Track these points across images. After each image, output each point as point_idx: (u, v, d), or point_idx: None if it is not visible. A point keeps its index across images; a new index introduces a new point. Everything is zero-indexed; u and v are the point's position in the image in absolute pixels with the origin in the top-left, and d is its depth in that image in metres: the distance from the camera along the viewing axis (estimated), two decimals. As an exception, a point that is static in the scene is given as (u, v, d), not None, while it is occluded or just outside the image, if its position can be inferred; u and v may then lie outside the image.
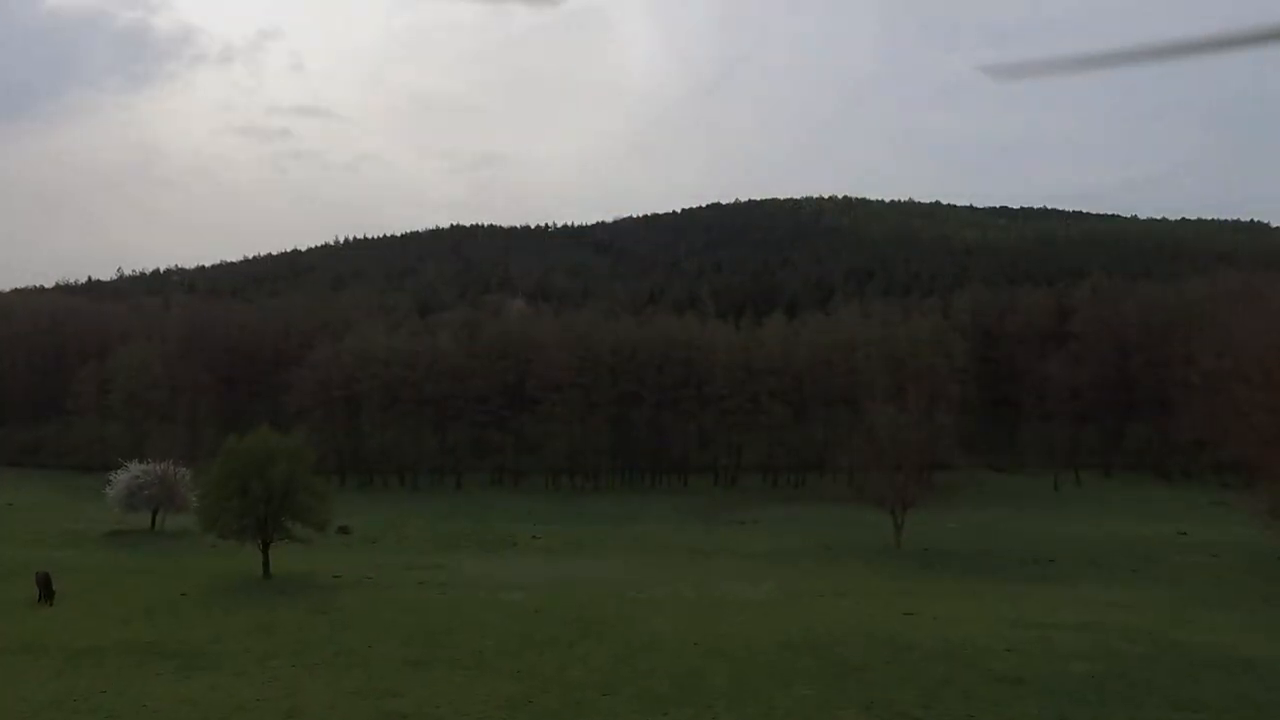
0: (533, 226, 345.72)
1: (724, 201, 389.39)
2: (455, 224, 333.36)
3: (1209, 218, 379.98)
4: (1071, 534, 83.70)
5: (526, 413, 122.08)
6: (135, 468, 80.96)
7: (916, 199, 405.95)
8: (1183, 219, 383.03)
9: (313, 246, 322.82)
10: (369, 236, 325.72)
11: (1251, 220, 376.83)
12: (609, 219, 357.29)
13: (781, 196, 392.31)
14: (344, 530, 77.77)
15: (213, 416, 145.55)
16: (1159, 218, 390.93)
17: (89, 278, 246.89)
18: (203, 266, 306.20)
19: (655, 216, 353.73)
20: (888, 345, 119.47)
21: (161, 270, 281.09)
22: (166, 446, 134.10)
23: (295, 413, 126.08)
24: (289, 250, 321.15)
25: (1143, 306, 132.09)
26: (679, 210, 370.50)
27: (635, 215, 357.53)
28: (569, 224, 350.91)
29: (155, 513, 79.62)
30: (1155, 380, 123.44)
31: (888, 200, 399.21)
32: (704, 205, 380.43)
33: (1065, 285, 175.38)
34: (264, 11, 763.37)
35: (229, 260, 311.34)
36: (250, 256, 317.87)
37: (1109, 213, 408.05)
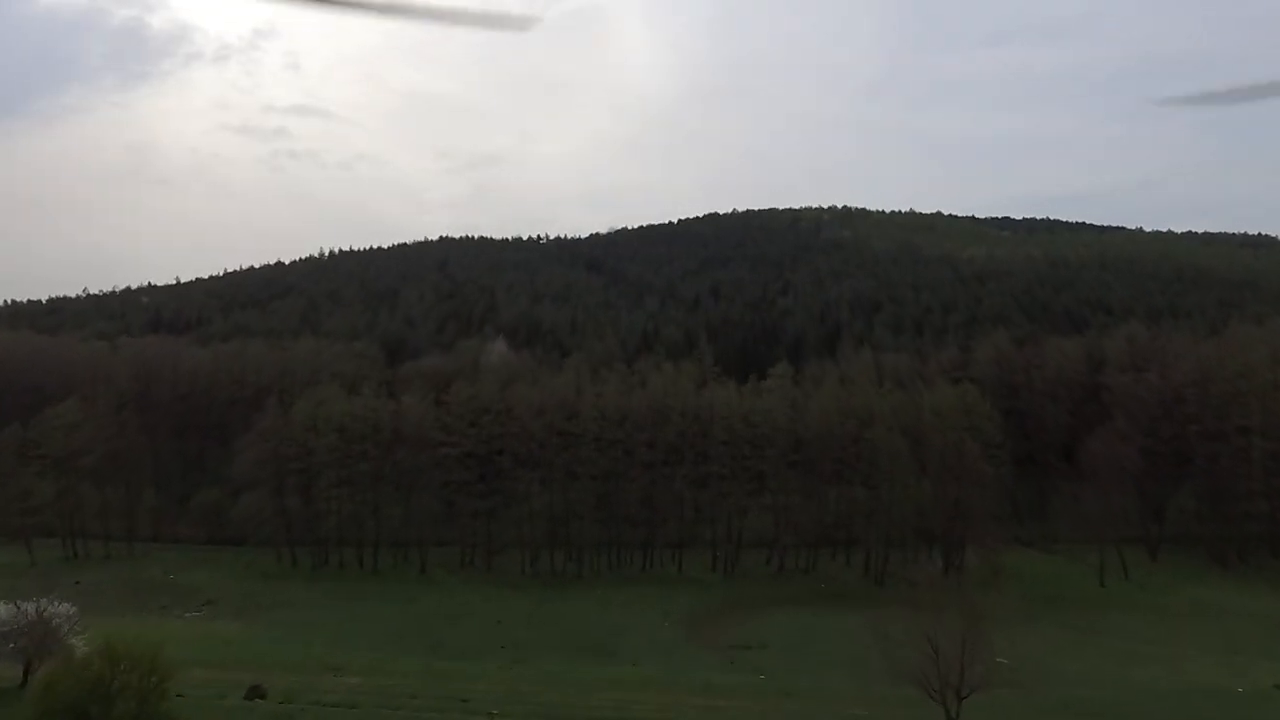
0: (525, 238, 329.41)
1: (721, 212, 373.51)
2: (444, 236, 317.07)
3: (1216, 230, 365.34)
4: (1146, 683, 67.63)
5: (500, 491, 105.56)
6: (1, 609, 64.33)
7: (917, 209, 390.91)
8: (1189, 231, 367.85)
9: (297, 259, 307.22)
10: (355, 249, 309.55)
11: (1260, 234, 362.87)
12: (603, 229, 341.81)
13: (780, 207, 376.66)
14: (256, 694, 61.11)
15: (161, 474, 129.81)
16: (1164, 230, 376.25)
17: (48, 297, 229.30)
18: (180, 280, 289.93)
19: (651, 228, 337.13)
20: (908, 415, 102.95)
21: (133, 288, 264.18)
22: (101, 514, 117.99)
23: (242, 485, 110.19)
24: (273, 263, 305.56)
25: (1189, 364, 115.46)
26: (675, 221, 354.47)
27: (631, 227, 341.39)
28: (562, 236, 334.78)
29: (27, 668, 63.10)
30: (1208, 454, 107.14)
31: (888, 211, 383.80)
32: (701, 216, 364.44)
33: (1094, 332, 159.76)
34: (259, 10, 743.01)
35: (207, 275, 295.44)
36: (232, 269, 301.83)
37: (1113, 224, 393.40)
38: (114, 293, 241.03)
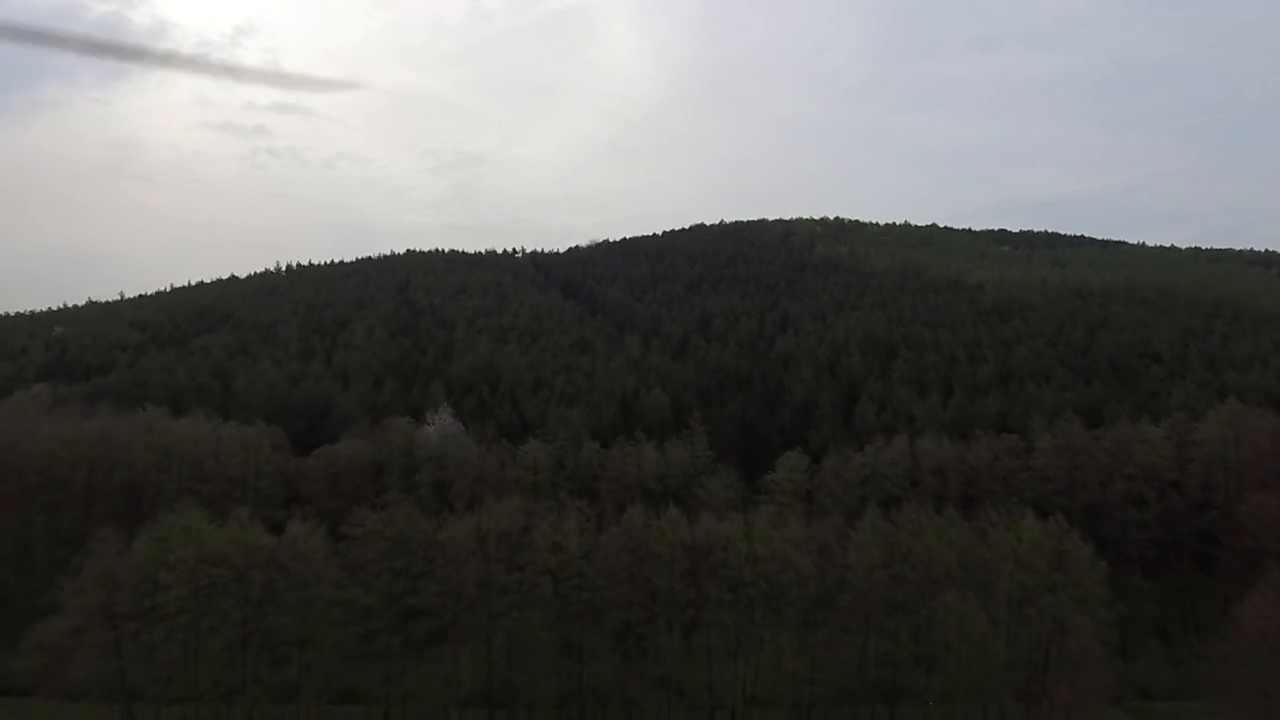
0: (500, 251, 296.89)
1: (709, 223, 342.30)
2: (411, 249, 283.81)
3: (1222, 246, 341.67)
4: None
5: (423, 660, 74.19)
6: None
7: (906, 217, 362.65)
8: (1194, 247, 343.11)
9: (253, 273, 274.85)
10: (314, 263, 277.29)
11: (1266, 250, 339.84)
12: (585, 240, 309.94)
13: (770, 217, 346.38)
14: None
15: None
16: (1167, 245, 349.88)
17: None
18: (124, 295, 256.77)
19: (635, 242, 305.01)
20: (977, 556, 72.35)
21: (64, 306, 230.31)
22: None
23: (72, 634, 78.06)
24: (226, 277, 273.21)
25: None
26: (660, 233, 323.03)
27: (613, 239, 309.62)
28: (539, 249, 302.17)
29: None
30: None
31: (881, 223, 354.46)
32: (688, 227, 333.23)
33: (1150, 385, 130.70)
34: (240, 7, 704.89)
35: (154, 290, 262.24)
36: (180, 285, 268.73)
37: (1111, 236, 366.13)
38: (26, 315, 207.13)
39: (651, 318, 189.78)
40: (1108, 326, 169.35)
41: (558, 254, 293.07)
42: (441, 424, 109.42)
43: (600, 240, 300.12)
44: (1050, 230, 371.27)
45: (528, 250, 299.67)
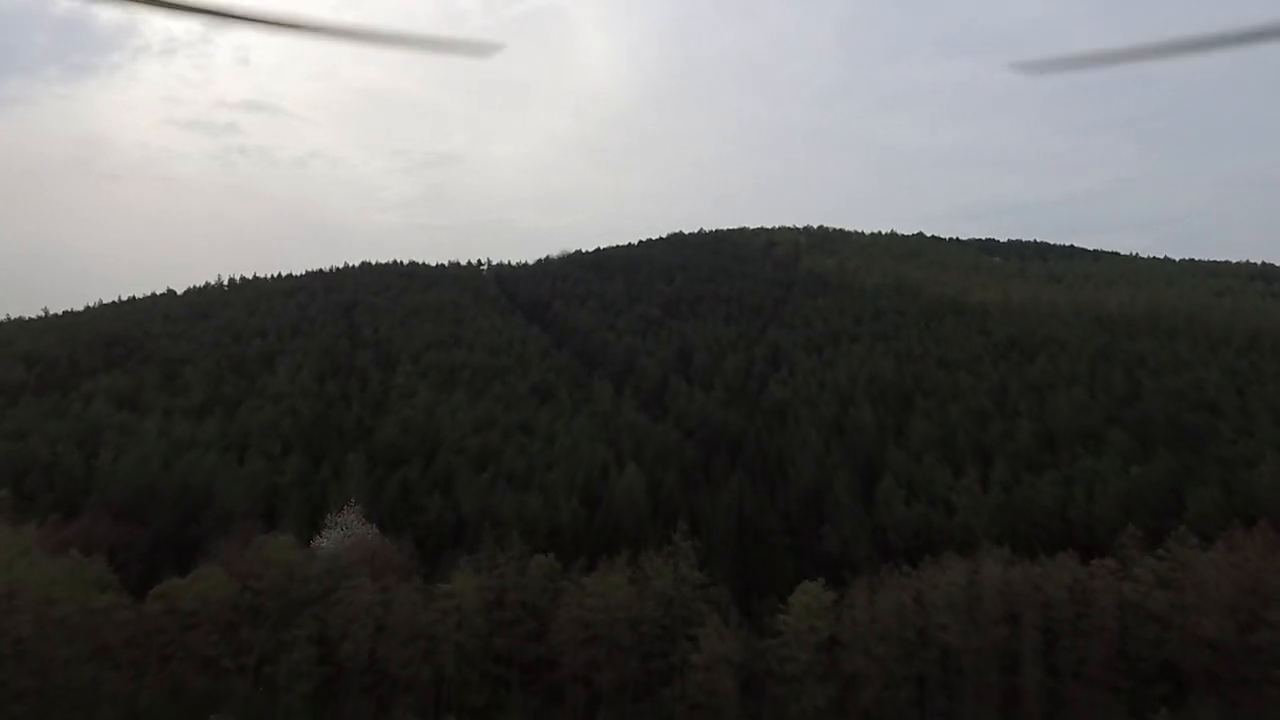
0: (464, 264, 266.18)
1: (687, 231, 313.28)
2: (366, 261, 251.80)
3: (1220, 259, 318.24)
4: None
5: None
6: None
7: (898, 230, 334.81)
8: (1189, 259, 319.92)
9: (192, 288, 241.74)
10: (261, 276, 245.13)
11: (1262, 263, 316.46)
12: (555, 251, 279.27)
13: (748, 220, 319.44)
14: None
15: None
16: (1160, 256, 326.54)
17: None
18: (47, 312, 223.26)
19: (609, 252, 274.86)
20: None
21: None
22: None
23: None
24: (162, 291, 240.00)
25: None
26: (635, 243, 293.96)
27: (586, 249, 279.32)
28: (506, 261, 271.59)
29: None
30: None
31: (866, 232, 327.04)
32: (665, 235, 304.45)
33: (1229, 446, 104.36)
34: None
35: (83, 306, 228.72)
36: (109, 300, 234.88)
37: (1107, 249, 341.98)
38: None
39: (626, 350, 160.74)
40: (1146, 366, 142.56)
41: (526, 266, 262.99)
42: (345, 528, 79.99)
43: (572, 251, 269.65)
44: (1039, 239, 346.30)
45: (494, 261, 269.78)
